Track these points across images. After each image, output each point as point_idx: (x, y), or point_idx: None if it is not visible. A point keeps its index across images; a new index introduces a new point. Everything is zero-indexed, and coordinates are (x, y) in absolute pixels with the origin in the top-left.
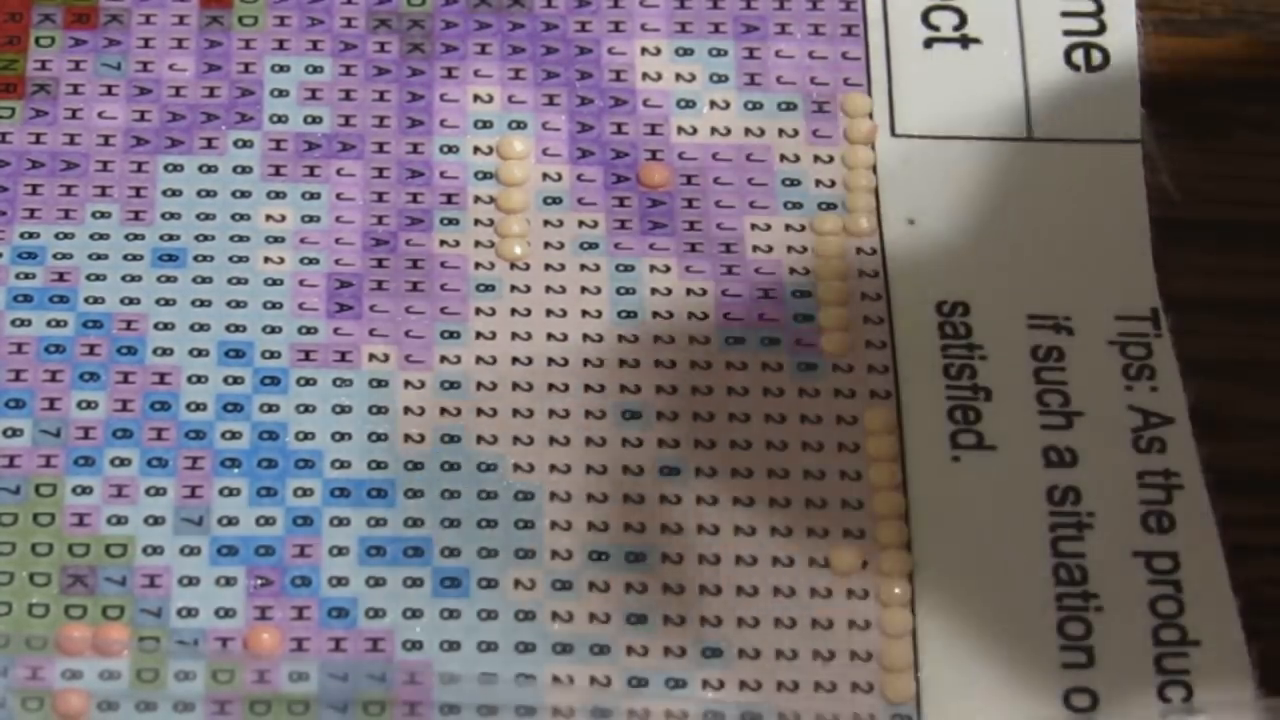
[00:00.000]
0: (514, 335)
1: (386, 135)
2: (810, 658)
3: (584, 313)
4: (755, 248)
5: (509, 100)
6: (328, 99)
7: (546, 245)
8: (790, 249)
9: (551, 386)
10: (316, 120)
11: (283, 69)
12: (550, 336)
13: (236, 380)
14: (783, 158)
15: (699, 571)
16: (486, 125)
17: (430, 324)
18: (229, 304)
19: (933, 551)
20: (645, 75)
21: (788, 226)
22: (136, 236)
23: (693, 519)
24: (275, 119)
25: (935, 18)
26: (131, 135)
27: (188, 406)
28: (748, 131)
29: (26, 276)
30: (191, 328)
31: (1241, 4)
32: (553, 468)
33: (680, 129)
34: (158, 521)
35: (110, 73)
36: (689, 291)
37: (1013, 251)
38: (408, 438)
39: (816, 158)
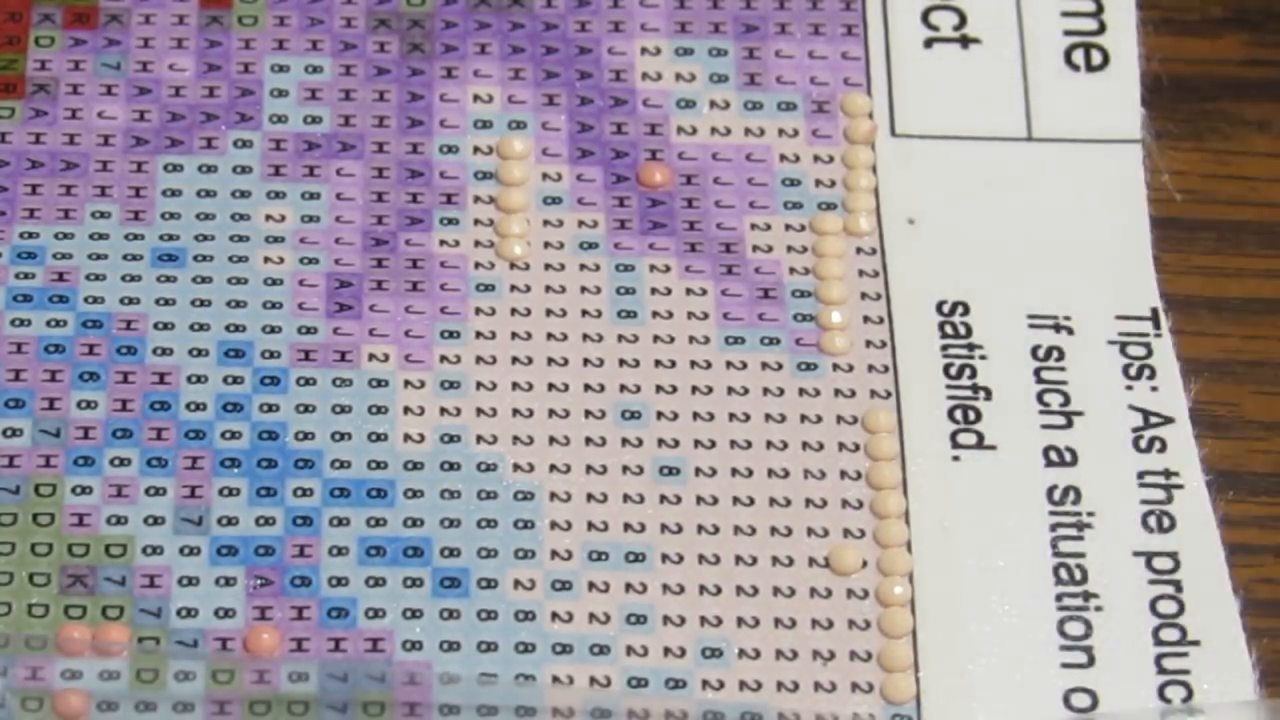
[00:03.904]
0: (514, 335)
1: (386, 135)
2: (810, 658)
3: (584, 313)
4: (755, 248)
5: (509, 100)
6: (328, 99)
7: (546, 245)
8: (790, 249)
9: (551, 386)
10: (316, 120)
11: (283, 69)
12: (550, 336)
13: (236, 380)
14: (783, 158)
15: (699, 571)
16: (486, 125)
17: (430, 324)
18: (229, 304)
19: (933, 551)
20: (645, 75)
21: (788, 226)
22: (136, 236)
23: (693, 519)
24: (275, 119)
25: (935, 18)
26: (131, 135)
27: (187, 406)
28: (748, 131)
29: (26, 276)
30: (191, 328)
31: (1241, 4)
32: (553, 468)
33: (680, 129)
34: (157, 521)
35: (110, 73)
36: (689, 291)
37: (1013, 251)
38: (408, 438)
39: (816, 158)
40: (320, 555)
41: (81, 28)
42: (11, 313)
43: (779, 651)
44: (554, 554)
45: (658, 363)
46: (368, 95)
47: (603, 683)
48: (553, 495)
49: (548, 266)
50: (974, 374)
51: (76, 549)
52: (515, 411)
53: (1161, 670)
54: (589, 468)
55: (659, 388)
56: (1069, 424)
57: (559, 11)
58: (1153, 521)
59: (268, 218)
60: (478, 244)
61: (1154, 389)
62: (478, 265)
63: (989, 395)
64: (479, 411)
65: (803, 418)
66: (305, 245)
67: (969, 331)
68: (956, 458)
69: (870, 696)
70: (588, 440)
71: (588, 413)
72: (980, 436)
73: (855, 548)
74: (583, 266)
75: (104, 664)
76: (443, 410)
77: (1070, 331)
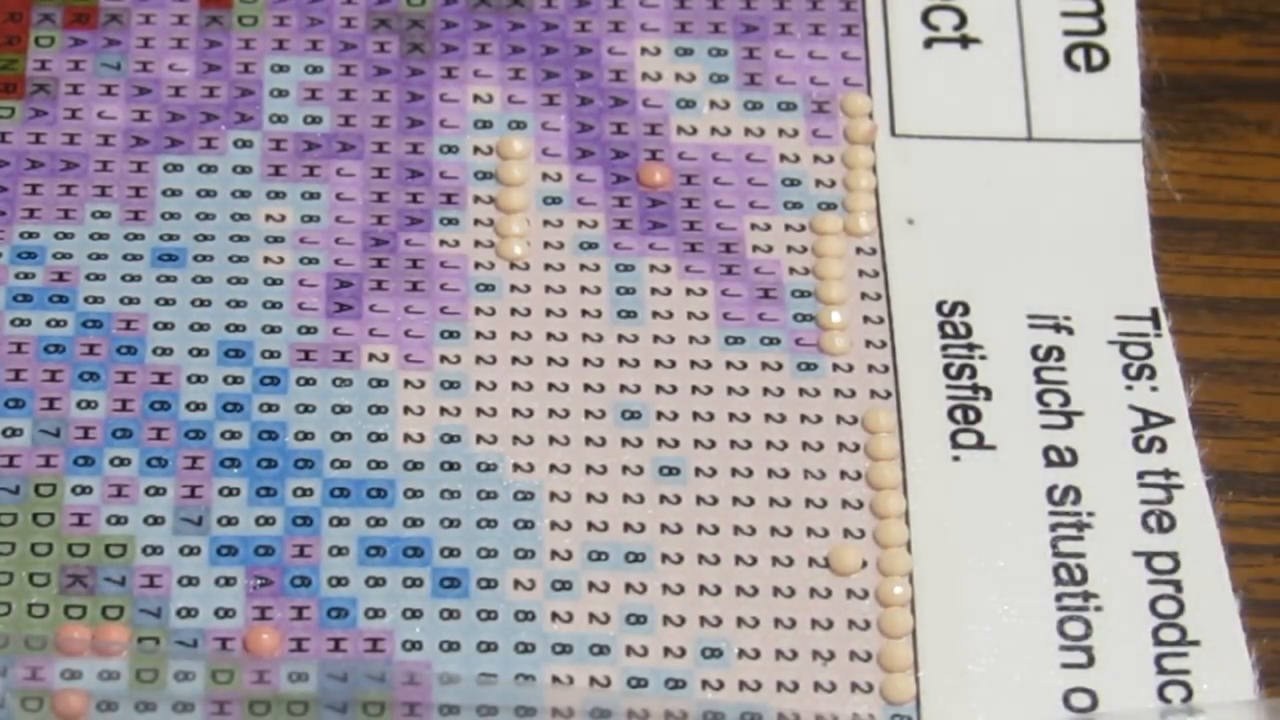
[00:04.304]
0: (514, 335)
1: (386, 135)
2: (810, 658)
3: (584, 313)
4: (755, 248)
5: (509, 100)
6: (328, 99)
7: (546, 245)
8: (790, 249)
9: (551, 386)
10: (316, 120)
11: (282, 69)
12: (550, 336)
13: (236, 380)
14: (783, 158)
15: (699, 571)
16: (486, 125)
17: (430, 324)
18: (229, 304)
19: (933, 551)
20: (645, 75)
21: (788, 226)
22: (136, 236)
23: (693, 519)
24: (275, 119)
25: (935, 18)
26: (131, 135)
27: (187, 406)
28: (748, 131)
29: (26, 276)
30: (191, 328)
31: (1241, 4)
32: (553, 468)
33: (680, 129)
34: (157, 521)
35: (110, 73)
36: (689, 291)
37: (1013, 251)
38: (408, 438)
39: (816, 158)
40: (320, 555)
41: (81, 28)
42: (11, 313)
43: (779, 651)
44: (554, 554)
45: (658, 363)
46: (368, 95)
47: (603, 683)
48: (553, 495)
49: (548, 266)
50: (974, 374)
51: (76, 549)
52: (515, 411)
53: (1161, 670)
54: (589, 468)
55: (659, 388)
56: (1069, 424)
57: (559, 11)
58: (1153, 521)
59: (268, 218)
60: (478, 244)
61: (1154, 389)
62: (478, 265)
63: (989, 395)
64: (479, 411)
65: (803, 418)
66: (305, 245)
67: (969, 331)
68: (956, 458)
69: (870, 696)
70: (588, 440)
71: (588, 413)
72: (980, 436)
73: (855, 548)
74: (583, 266)
75: (104, 664)
76: (443, 410)
77: (1070, 331)
